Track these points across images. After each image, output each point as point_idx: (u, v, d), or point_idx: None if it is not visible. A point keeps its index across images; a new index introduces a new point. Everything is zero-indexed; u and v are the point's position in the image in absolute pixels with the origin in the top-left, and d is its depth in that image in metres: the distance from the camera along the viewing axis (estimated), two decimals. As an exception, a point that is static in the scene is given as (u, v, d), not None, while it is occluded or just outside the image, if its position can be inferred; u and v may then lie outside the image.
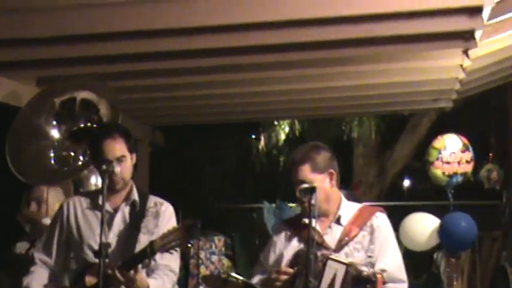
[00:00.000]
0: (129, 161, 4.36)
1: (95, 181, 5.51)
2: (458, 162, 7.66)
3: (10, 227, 5.58)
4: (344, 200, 4.33)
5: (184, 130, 10.10)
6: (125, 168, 4.33)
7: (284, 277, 4.04)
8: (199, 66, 6.21)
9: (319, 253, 3.98)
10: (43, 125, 5.35)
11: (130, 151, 4.37)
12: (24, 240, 5.39)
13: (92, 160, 4.45)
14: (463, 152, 7.72)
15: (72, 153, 5.30)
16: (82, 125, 5.35)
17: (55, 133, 5.35)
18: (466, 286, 7.87)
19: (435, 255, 8.11)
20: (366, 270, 3.91)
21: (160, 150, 9.16)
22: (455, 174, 7.66)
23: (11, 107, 5.88)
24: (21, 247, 5.41)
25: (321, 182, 4.15)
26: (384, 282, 3.98)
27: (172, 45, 5.47)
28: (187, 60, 5.93)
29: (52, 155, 5.28)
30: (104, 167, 4.16)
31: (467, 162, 7.75)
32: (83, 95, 5.33)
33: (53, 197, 5.35)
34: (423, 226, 7.44)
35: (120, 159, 4.29)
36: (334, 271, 3.92)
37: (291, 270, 4.05)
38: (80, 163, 5.27)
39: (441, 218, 7.43)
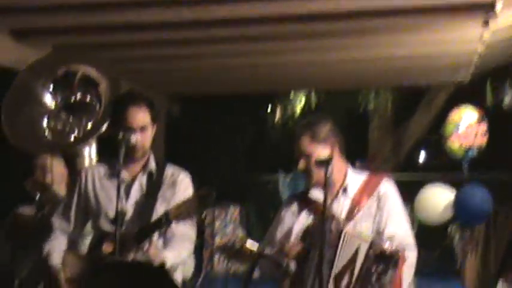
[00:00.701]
0: (151, 131, 4.38)
1: (88, 153, 5.50)
2: (475, 135, 7.64)
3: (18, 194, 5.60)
4: (350, 170, 4.33)
5: (200, 100, 10.09)
6: (146, 138, 4.35)
7: (295, 250, 4.05)
8: (216, 36, 6.19)
9: (332, 226, 3.97)
10: (39, 89, 5.30)
11: (153, 121, 4.38)
12: (31, 206, 5.40)
13: (112, 126, 4.44)
14: (478, 124, 7.70)
15: (67, 126, 5.28)
16: (78, 98, 5.33)
17: (50, 101, 5.31)
18: (480, 259, 7.86)
19: (449, 229, 8.11)
20: (389, 247, 3.89)
21: (176, 120, 9.16)
22: (471, 147, 7.65)
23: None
24: (24, 211, 5.43)
25: (321, 152, 4.14)
26: (404, 261, 3.98)
27: (190, 14, 5.46)
28: (204, 30, 5.92)
29: (46, 124, 5.25)
30: (121, 135, 4.18)
31: (483, 135, 7.73)
32: (84, 69, 5.30)
33: (57, 166, 5.35)
34: (438, 199, 7.44)
35: (143, 129, 4.31)
36: (355, 247, 3.91)
37: (301, 245, 4.05)
38: (74, 138, 5.24)
39: (456, 191, 7.42)
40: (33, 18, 5.49)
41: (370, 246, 3.88)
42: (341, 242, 3.94)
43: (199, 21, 5.63)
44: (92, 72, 5.26)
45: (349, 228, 4.02)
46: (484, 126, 7.74)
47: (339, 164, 4.25)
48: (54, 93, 5.30)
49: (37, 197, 5.25)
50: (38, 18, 5.49)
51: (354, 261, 3.90)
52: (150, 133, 4.38)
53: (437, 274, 7.33)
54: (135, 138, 4.26)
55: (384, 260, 3.87)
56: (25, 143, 5.19)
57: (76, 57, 5.48)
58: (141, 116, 4.31)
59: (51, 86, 5.30)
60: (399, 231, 4.16)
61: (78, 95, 5.30)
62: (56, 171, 5.29)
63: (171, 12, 5.37)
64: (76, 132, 5.25)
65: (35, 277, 5.05)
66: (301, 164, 4.18)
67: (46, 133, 5.22)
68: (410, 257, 4.09)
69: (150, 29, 5.81)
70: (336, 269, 3.93)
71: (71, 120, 5.27)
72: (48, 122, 5.25)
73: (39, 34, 5.89)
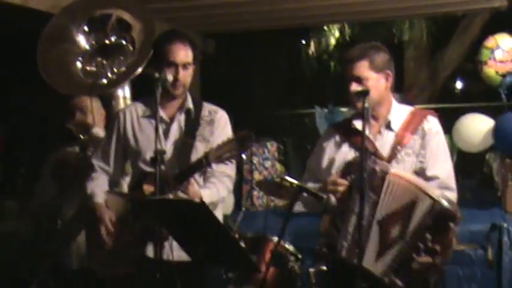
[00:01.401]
0: (191, 69, 4.40)
1: (122, 94, 5.52)
2: (511, 61, 7.54)
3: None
4: (394, 103, 4.27)
5: (234, 37, 10.06)
6: (187, 76, 4.39)
7: (341, 188, 4.01)
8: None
9: (377, 168, 3.92)
10: (74, 31, 5.28)
11: (194, 61, 4.41)
12: (71, 146, 5.42)
13: (154, 63, 4.47)
14: (516, 50, 7.60)
15: (101, 69, 5.28)
16: (113, 40, 5.32)
17: (84, 42, 5.30)
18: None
19: (487, 156, 8.04)
20: (450, 207, 3.84)
21: (211, 58, 9.14)
22: (509, 73, 7.56)
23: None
24: (67, 152, 5.45)
25: (376, 81, 4.10)
26: (460, 220, 3.93)
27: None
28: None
29: (80, 65, 5.26)
30: (157, 75, 4.20)
31: (520, 61, 7.63)
32: (118, 12, 5.29)
33: (96, 107, 5.37)
34: (477, 127, 7.39)
35: (185, 66, 4.34)
36: (411, 197, 3.84)
37: (346, 182, 4.01)
38: (108, 80, 5.25)
39: (495, 119, 7.36)
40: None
41: (433, 205, 3.80)
42: (386, 185, 3.89)
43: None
44: (126, 15, 5.26)
45: (396, 172, 3.94)
46: (521, 53, 7.63)
47: (385, 97, 4.21)
48: (88, 35, 5.31)
49: (81, 138, 5.27)
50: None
51: (409, 211, 3.84)
52: (190, 72, 4.41)
53: (478, 202, 7.29)
54: (170, 77, 4.28)
55: (443, 219, 3.83)
56: (61, 84, 5.21)
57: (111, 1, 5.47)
58: (184, 52, 4.36)
59: (85, 27, 5.30)
60: (442, 173, 4.14)
61: (112, 38, 5.30)
62: (96, 112, 5.32)
63: None
64: (110, 74, 5.26)
65: (78, 221, 5.10)
66: (354, 87, 4.09)
67: (81, 74, 5.24)
68: (451, 199, 4.07)
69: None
70: (380, 213, 3.89)
71: (104, 62, 5.28)
72: (82, 63, 5.26)
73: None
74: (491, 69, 7.62)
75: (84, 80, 5.20)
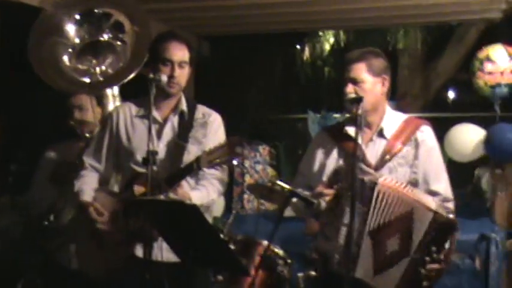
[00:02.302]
0: (187, 70, 4.40)
1: (111, 91, 5.50)
2: (501, 73, 7.52)
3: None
4: (388, 110, 4.26)
5: (229, 40, 10.06)
6: (183, 75, 4.39)
7: (328, 198, 3.99)
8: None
9: (366, 178, 3.89)
10: (65, 19, 5.20)
11: (190, 62, 4.41)
12: (72, 143, 5.37)
13: (149, 64, 4.47)
14: (509, 61, 7.58)
15: (91, 68, 5.25)
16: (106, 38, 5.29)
17: (73, 31, 5.26)
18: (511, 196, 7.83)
19: (476, 171, 8.05)
20: (450, 216, 3.89)
21: (206, 60, 9.14)
22: (498, 84, 7.54)
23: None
24: (68, 148, 5.39)
25: (373, 85, 4.10)
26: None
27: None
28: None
29: (68, 60, 5.21)
30: (151, 75, 4.20)
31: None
32: (118, 16, 5.26)
33: (94, 105, 5.34)
34: (469, 137, 7.40)
35: (181, 64, 4.34)
36: (406, 208, 3.85)
37: (332, 192, 3.99)
38: (100, 79, 5.21)
39: (487, 129, 7.37)
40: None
41: (435, 217, 3.83)
42: (375, 196, 3.86)
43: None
44: (122, 16, 5.24)
45: (385, 182, 3.91)
46: (514, 64, 7.62)
47: (380, 103, 4.20)
48: (79, 27, 5.27)
49: (86, 137, 5.21)
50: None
51: (406, 223, 3.85)
52: (187, 72, 4.41)
53: (467, 211, 7.30)
54: (165, 78, 4.28)
55: (446, 229, 3.86)
56: (53, 79, 5.15)
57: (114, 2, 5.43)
58: (181, 51, 4.37)
59: (77, 16, 5.25)
60: (443, 187, 4.16)
61: (106, 36, 5.28)
62: (95, 110, 5.27)
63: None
64: (99, 74, 5.24)
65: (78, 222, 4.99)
66: (350, 89, 4.08)
67: (70, 71, 5.20)
68: (448, 206, 4.10)
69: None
70: (371, 224, 3.86)
71: (94, 61, 5.26)
72: (71, 58, 5.22)
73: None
74: (481, 80, 7.62)
75: (75, 77, 5.18)
